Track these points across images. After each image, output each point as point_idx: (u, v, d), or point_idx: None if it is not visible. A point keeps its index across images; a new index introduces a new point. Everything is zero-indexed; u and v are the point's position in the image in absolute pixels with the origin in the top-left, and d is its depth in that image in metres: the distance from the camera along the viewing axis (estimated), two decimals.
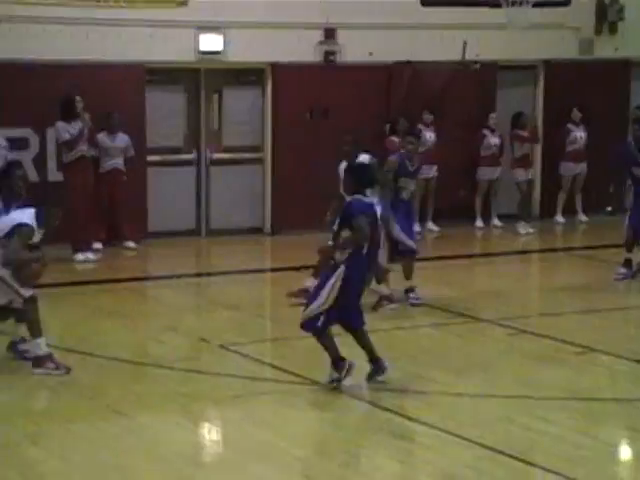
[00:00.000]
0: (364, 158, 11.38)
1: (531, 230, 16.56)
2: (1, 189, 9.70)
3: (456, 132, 16.47)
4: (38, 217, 9.13)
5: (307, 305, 8.64)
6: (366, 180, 8.80)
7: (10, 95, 13.97)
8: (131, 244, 14.86)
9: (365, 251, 8.63)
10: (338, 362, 8.64)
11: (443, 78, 16.64)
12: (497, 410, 8.32)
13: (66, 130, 13.84)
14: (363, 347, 8.82)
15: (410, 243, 11.58)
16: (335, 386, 8.63)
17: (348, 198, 8.82)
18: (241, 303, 11.90)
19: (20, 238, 9.02)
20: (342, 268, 8.50)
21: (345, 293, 8.51)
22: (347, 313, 8.61)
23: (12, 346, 9.52)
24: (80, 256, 13.95)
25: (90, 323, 11.04)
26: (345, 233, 8.56)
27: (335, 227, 8.80)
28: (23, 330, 9.45)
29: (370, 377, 8.82)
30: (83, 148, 13.98)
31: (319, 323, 8.53)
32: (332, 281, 8.49)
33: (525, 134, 16.64)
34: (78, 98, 13.90)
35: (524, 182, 16.66)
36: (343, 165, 11.39)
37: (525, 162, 16.77)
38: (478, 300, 12.10)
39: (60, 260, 13.75)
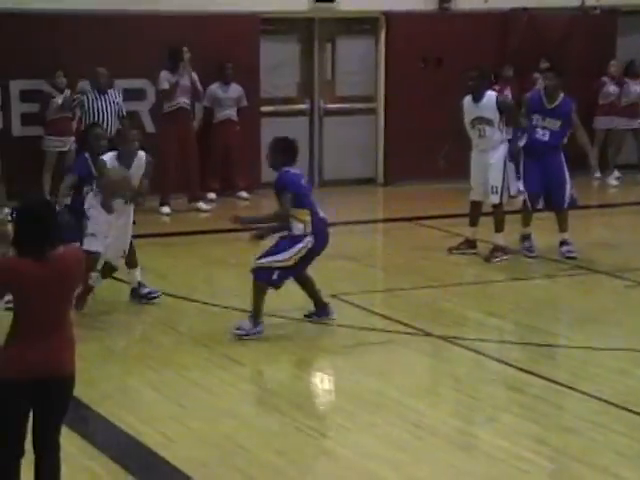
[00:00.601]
0: (490, 94, 11.24)
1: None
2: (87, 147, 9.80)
3: (574, 80, 16.10)
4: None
5: (264, 255, 8.64)
6: (292, 154, 8.73)
7: (127, 46, 14.12)
8: (244, 194, 14.95)
9: (322, 216, 8.73)
10: (258, 318, 8.66)
11: (561, 25, 16.27)
12: (613, 363, 8.18)
13: (166, 79, 13.93)
14: (309, 294, 9.03)
15: (516, 191, 11.45)
16: (239, 335, 8.61)
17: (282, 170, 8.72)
18: (353, 253, 11.89)
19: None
20: (311, 238, 8.57)
21: (307, 259, 8.66)
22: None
23: (132, 292, 9.72)
24: (166, 209, 13.98)
25: (204, 272, 11.18)
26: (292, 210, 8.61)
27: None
28: (138, 275, 9.65)
29: (309, 316, 9.06)
30: (183, 100, 14.00)
31: (275, 277, 8.58)
32: (300, 245, 8.55)
33: (634, 84, 16.18)
34: (185, 49, 13.98)
35: (623, 131, 16.27)
36: (467, 99, 11.28)
37: (632, 111, 16.30)
38: (594, 252, 11.88)
39: (174, 211, 13.97)
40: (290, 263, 8.60)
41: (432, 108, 15.21)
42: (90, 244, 9.05)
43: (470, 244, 11.61)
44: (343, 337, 8.82)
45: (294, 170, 8.74)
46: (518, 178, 11.80)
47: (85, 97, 13.39)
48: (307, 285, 9.01)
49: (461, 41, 15.74)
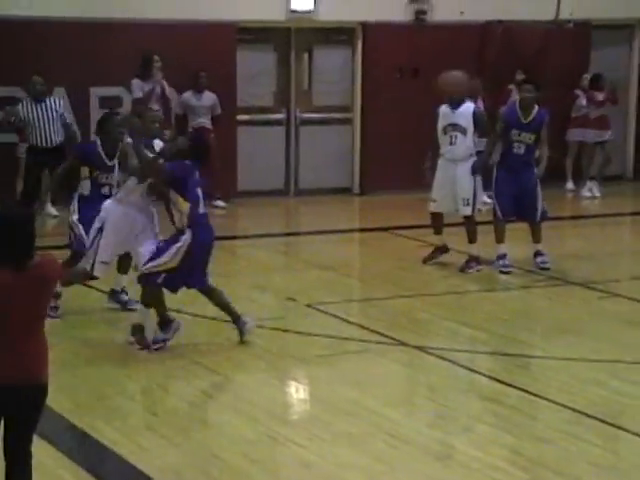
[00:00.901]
0: (469, 104, 11.31)
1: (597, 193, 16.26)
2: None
3: (548, 93, 16.19)
4: None
5: (148, 260, 8.60)
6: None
7: (104, 54, 14.11)
8: (220, 203, 14.92)
9: (203, 211, 8.70)
10: (167, 323, 8.65)
11: (535, 37, 16.37)
12: (587, 373, 8.22)
13: (140, 88, 13.94)
14: (219, 307, 8.87)
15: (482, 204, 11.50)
16: (161, 346, 8.58)
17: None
18: (329, 263, 11.91)
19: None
20: (188, 235, 8.52)
21: (189, 258, 8.53)
22: (190, 275, 8.64)
23: (112, 294, 9.67)
24: None
25: None
26: (173, 195, 8.57)
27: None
28: (124, 281, 9.61)
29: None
30: (156, 107, 13.99)
31: (159, 280, 8.54)
32: (178, 245, 8.52)
33: (601, 96, 16.28)
34: (156, 57, 13.97)
35: (592, 144, 16.36)
36: (444, 106, 11.29)
37: (601, 123, 16.39)
38: (568, 263, 11.95)
39: None
40: (173, 265, 8.52)
41: (408, 118, 15.25)
42: (103, 255, 8.90)
43: (441, 250, 11.61)
44: (319, 346, 8.81)
45: (187, 163, 8.74)
46: (485, 189, 11.81)
47: (20, 107, 13.17)
48: (214, 297, 8.86)
49: (437, 52, 15.77)
